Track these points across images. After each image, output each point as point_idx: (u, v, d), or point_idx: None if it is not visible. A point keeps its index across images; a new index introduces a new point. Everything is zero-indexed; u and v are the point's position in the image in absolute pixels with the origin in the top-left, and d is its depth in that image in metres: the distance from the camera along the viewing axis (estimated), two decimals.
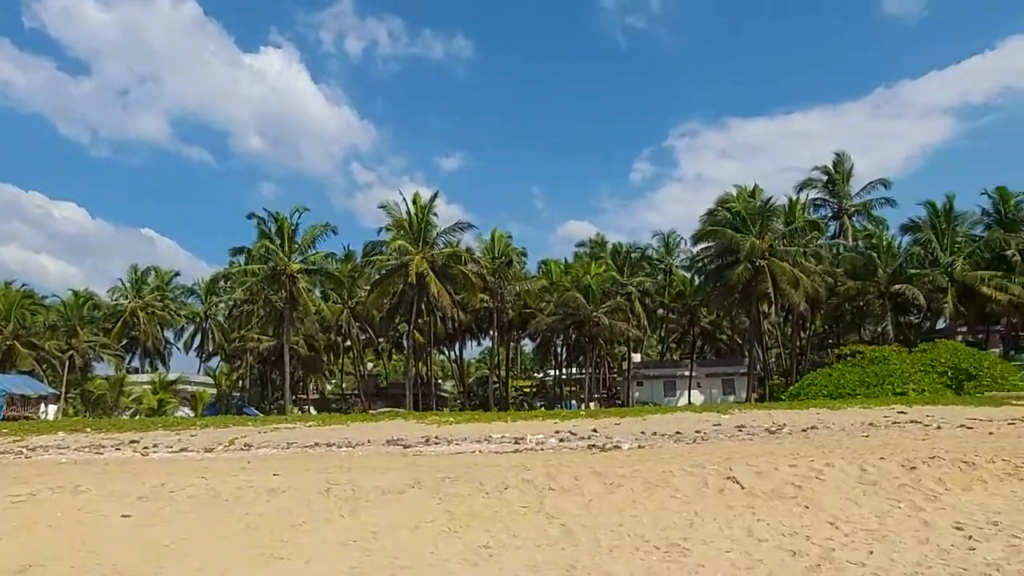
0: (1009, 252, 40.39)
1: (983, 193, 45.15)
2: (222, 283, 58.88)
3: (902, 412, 23.45)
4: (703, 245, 42.91)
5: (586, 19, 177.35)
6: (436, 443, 18.81)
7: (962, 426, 18.75)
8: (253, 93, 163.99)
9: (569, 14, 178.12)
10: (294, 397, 52.99)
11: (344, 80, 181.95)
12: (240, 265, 46.04)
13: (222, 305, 61.26)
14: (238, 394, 57.40)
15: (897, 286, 40.12)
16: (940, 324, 45.96)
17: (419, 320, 44.09)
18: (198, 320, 63.48)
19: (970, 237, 43.91)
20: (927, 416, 21.75)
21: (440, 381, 69.56)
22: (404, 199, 42.13)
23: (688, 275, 52.26)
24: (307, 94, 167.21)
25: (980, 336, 46.34)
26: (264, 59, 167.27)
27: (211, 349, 62.61)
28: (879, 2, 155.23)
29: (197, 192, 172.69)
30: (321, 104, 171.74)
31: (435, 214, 42.12)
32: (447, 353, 65.59)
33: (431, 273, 39.51)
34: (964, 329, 45.66)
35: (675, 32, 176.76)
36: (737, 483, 9.13)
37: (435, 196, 42.50)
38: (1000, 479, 8.70)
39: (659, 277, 52.80)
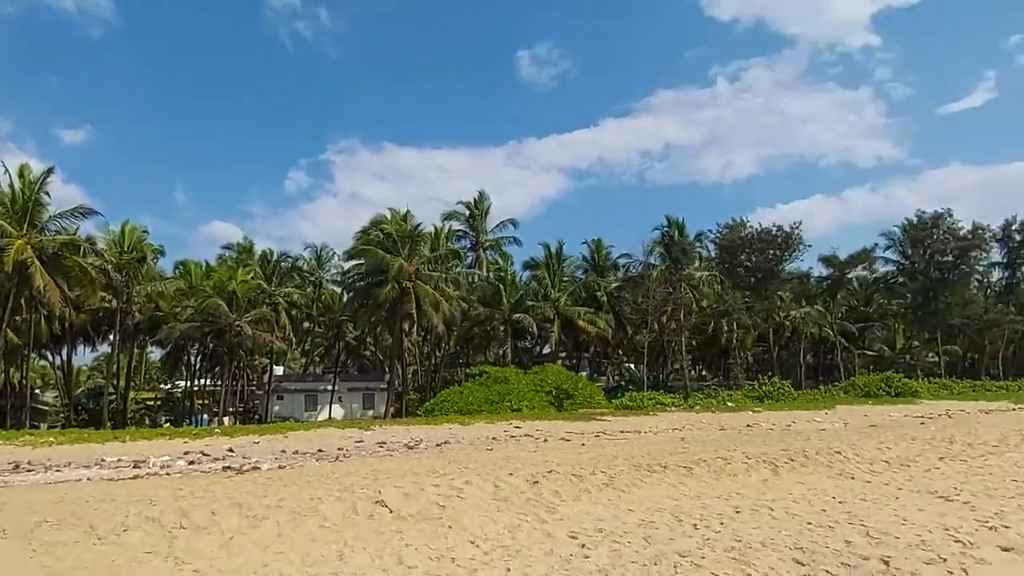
0: (599, 293, 49.65)
1: (584, 243, 55.24)
2: None
3: (518, 427, 26.76)
4: (355, 262, 43.31)
5: (252, 13, 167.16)
6: (29, 470, 15.32)
7: (563, 439, 22.18)
8: None
9: (234, 3, 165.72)
10: None
11: None
12: None
13: None
14: None
15: (517, 315, 45.85)
16: (547, 349, 53.86)
17: (16, 317, 35.50)
18: None
19: (573, 278, 52.81)
20: (537, 430, 25.20)
21: (39, 391, 56.98)
22: (7, 170, 33.64)
23: (338, 290, 52.17)
24: None
25: (575, 361, 55.68)
26: None
27: None
28: (518, 67, 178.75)
29: None
30: None
31: (47, 193, 34.44)
32: (51, 358, 54.14)
33: (37, 262, 32.08)
34: (564, 354, 54.25)
35: (342, 47, 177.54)
36: (386, 507, 9.22)
37: (49, 172, 34.64)
38: (600, 489, 10.42)
39: (309, 289, 51.58)
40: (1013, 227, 59.82)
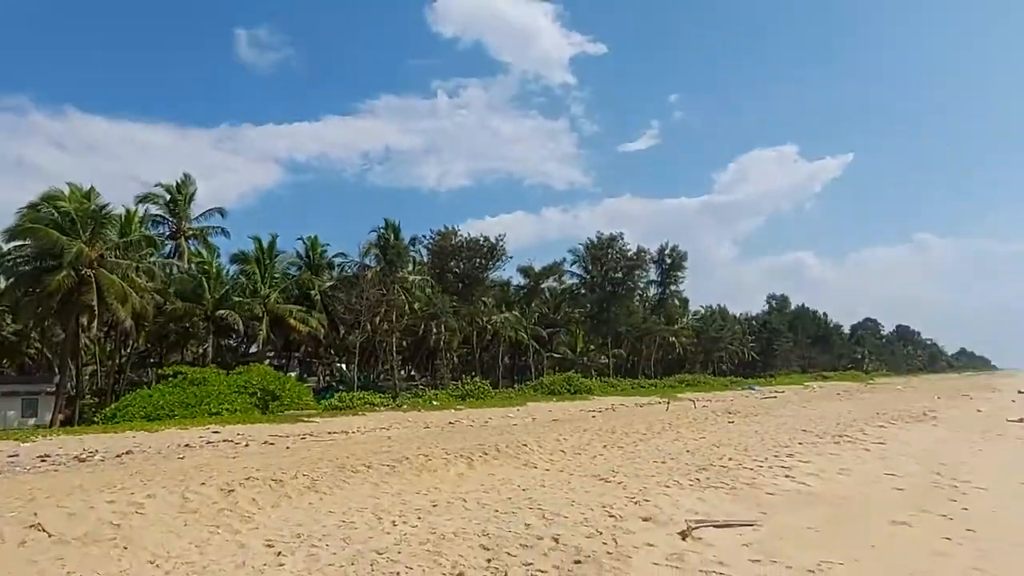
0: (312, 292, 48.32)
1: (299, 239, 53.27)
2: None
3: (216, 432, 24.88)
4: (19, 243, 36.03)
5: None
6: None
7: (266, 442, 21.25)
8: None
9: None
10: None
11: None
12: None
13: None
14: None
15: (221, 311, 42.50)
16: (254, 348, 50.69)
17: None
18: None
19: (285, 274, 50.61)
20: (238, 435, 23.72)
21: None
22: None
23: None
24: None
25: (284, 361, 53.38)
26: None
27: None
28: (236, 45, 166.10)
29: None
30: None
31: None
32: None
33: None
34: (272, 354, 51.58)
35: None
36: (43, 531, 8.04)
37: None
38: (301, 492, 10.29)
39: None
40: (665, 252, 75.10)
